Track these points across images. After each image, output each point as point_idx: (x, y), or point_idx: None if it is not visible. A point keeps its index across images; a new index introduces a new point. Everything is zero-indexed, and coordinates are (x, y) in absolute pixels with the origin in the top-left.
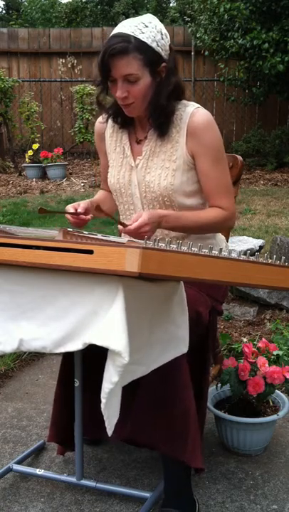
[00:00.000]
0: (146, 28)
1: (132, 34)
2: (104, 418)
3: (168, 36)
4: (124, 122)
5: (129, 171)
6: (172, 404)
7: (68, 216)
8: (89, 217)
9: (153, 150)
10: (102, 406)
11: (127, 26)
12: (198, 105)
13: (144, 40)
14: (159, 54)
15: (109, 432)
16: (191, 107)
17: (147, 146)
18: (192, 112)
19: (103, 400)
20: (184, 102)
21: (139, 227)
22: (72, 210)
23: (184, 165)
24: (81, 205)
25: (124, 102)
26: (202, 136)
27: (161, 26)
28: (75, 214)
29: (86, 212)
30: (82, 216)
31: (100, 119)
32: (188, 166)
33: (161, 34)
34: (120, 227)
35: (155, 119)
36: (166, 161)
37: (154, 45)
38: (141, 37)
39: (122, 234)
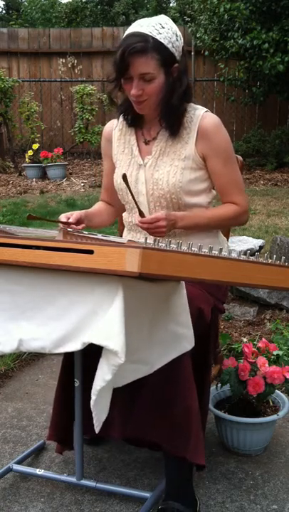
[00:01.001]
0: (163, 28)
1: (150, 34)
2: (93, 415)
3: (182, 38)
4: (134, 120)
5: (136, 169)
6: (175, 402)
7: (61, 226)
8: (80, 227)
9: (163, 150)
10: (92, 403)
11: (145, 26)
12: (207, 109)
13: (161, 40)
14: (173, 55)
15: (97, 428)
16: (201, 110)
17: (157, 146)
18: (202, 115)
19: (93, 397)
20: (193, 105)
21: (156, 219)
22: (64, 220)
23: (193, 164)
24: (74, 216)
25: (138, 99)
26: (213, 139)
27: (176, 28)
28: (67, 224)
29: (78, 222)
30: (74, 226)
31: (109, 124)
32: (196, 165)
33: (176, 36)
34: (137, 217)
35: (167, 119)
36: (175, 160)
37: (169, 46)
38: (158, 37)
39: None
